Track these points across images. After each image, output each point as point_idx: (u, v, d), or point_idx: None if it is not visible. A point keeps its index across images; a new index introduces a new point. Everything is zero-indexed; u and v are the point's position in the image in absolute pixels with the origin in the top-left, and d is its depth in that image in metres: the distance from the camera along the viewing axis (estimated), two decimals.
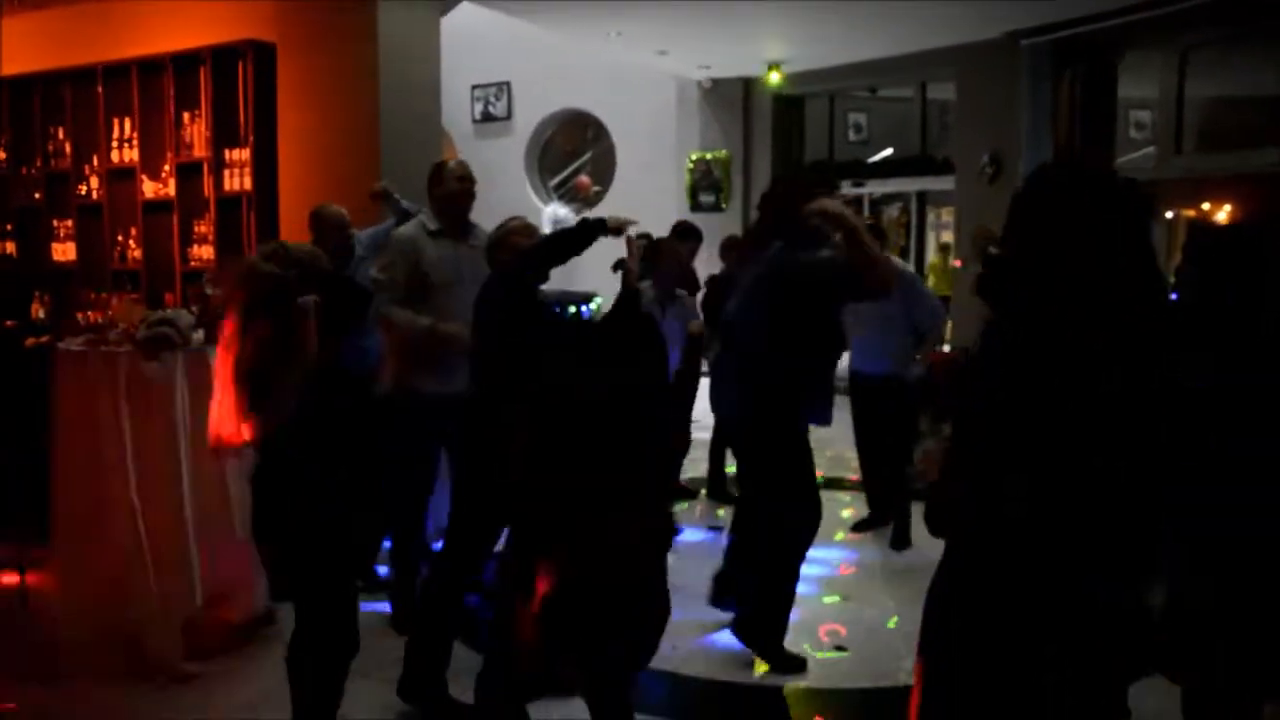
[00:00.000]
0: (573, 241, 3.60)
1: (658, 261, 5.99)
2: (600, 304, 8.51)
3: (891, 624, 4.64)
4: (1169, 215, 8.66)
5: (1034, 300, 2.05)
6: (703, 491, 6.92)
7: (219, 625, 4.20)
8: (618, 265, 3.91)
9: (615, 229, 3.65)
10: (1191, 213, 8.62)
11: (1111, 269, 2.00)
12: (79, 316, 4.39)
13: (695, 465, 6.78)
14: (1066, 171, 2.18)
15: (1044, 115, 8.99)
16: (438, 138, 7.83)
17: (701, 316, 6.27)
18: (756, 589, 4.23)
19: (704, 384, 5.03)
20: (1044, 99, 8.97)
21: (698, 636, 4.45)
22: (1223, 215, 8.24)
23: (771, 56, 10.36)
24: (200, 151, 7.18)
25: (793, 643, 4.27)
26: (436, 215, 4.45)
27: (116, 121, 7.54)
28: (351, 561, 3.22)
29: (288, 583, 3.12)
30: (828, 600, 4.97)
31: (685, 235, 6.89)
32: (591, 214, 13.51)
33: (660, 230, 11.32)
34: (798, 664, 4.18)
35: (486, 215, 4.49)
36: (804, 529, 4.14)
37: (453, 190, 4.41)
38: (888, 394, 5.57)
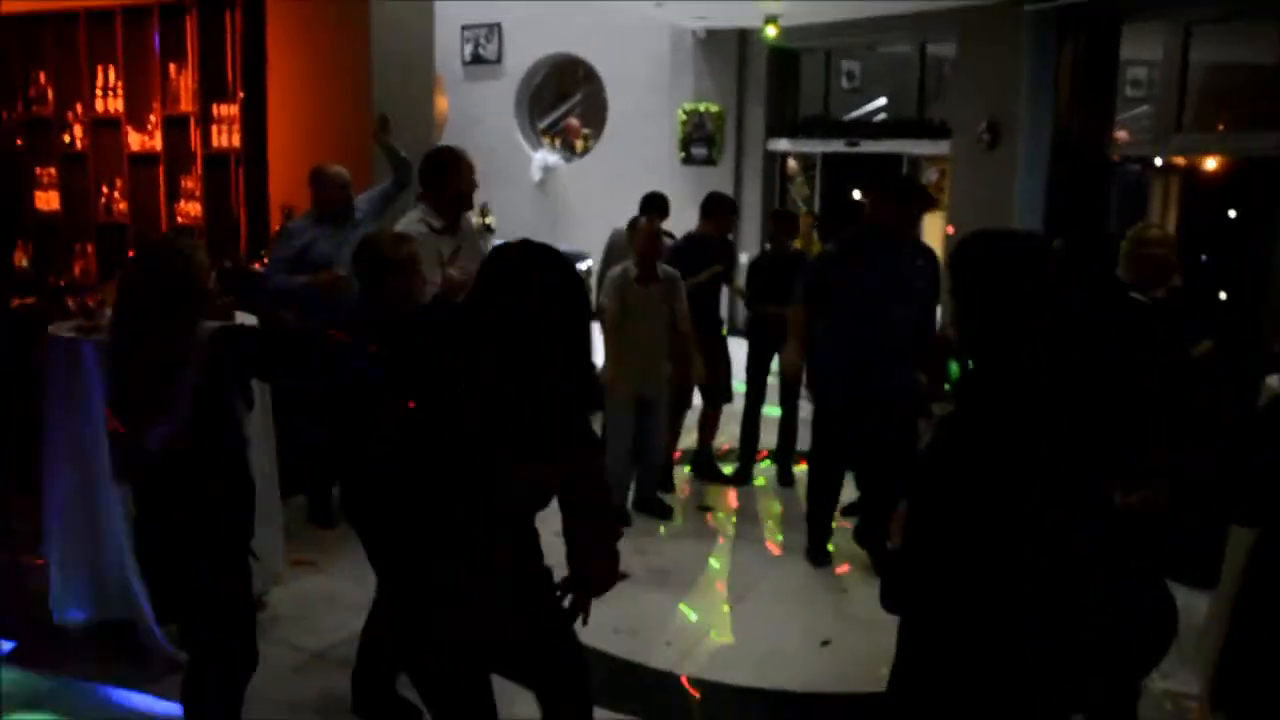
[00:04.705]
0: None
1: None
2: (591, 264, 8.41)
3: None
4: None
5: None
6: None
7: None
8: None
9: None
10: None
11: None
12: (69, 302, 4.30)
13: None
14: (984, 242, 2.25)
15: (1044, 84, 8.87)
16: (430, 85, 7.64)
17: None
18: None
19: None
20: (1045, 68, 8.84)
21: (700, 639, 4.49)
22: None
23: (769, 10, 10.15)
24: (187, 105, 7.03)
25: (781, 635, 4.44)
26: (442, 206, 4.33)
27: (100, 69, 7.35)
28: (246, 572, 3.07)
29: (177, 603, 3.03)
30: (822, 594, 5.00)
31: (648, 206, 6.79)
32: (580, 162, 13.41)
33: (653, 181, 11.16)
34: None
35: (476, 158, 4.45)
36: None
37: (468, 188, 4.35)
38: None
